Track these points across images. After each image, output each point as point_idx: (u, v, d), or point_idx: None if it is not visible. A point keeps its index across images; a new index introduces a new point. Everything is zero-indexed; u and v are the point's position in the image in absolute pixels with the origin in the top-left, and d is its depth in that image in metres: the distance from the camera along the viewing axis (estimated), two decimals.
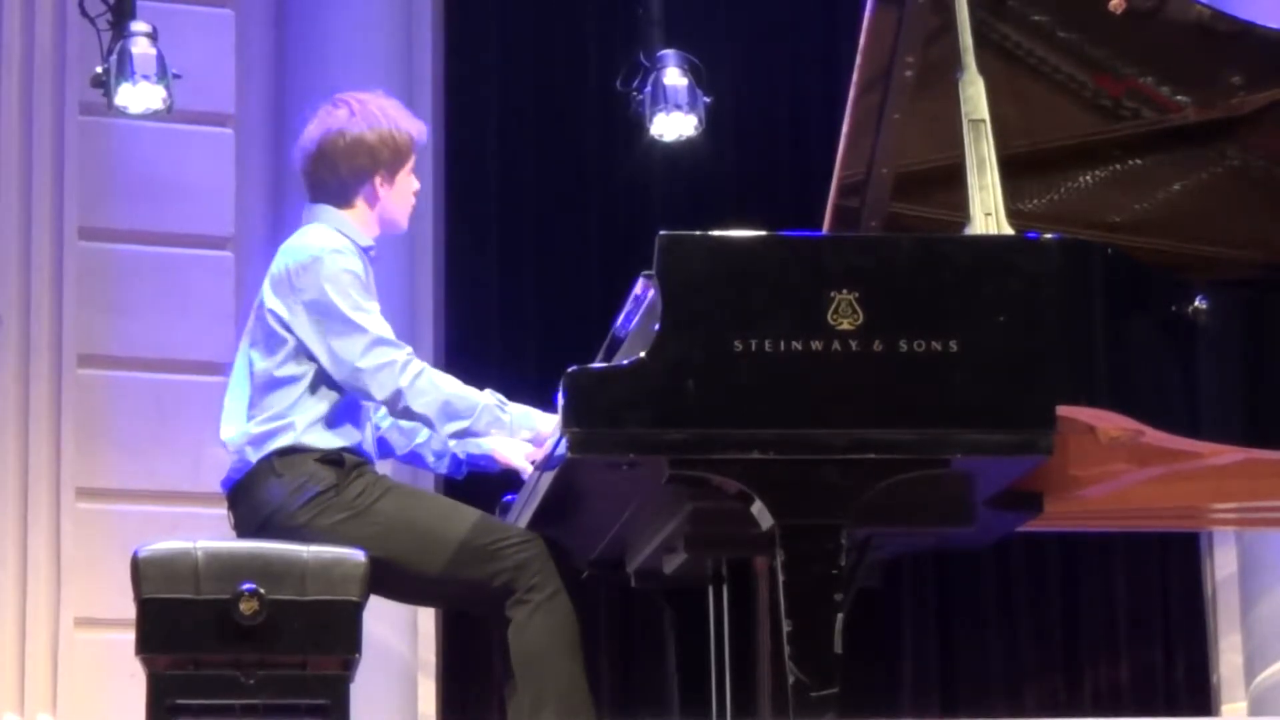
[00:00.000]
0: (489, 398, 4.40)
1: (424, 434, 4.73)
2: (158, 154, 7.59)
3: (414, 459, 4.79)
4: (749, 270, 3.78)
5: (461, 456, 4.68)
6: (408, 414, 4.41)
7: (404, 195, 4.67)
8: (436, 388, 4.37)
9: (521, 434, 4.41)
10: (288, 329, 4.48)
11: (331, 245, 4.50)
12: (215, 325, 7.53)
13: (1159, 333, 3.99)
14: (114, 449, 7.45)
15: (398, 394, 4.36)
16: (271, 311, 4.50)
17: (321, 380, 4.48)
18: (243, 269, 7.64)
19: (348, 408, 4.50)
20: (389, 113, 4.65)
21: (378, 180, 4.62)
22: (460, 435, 4.42)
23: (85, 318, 7.44)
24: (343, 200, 4.63)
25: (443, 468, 4.76)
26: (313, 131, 4.66)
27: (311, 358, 4.46)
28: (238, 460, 4.51)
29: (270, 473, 4.45)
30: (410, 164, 4.66)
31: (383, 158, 4.61)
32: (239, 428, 4.52)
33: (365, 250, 4.60)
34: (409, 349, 4.44)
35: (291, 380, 4.48)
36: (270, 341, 4.51)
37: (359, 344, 4.40)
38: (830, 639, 3.67)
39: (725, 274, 3.77)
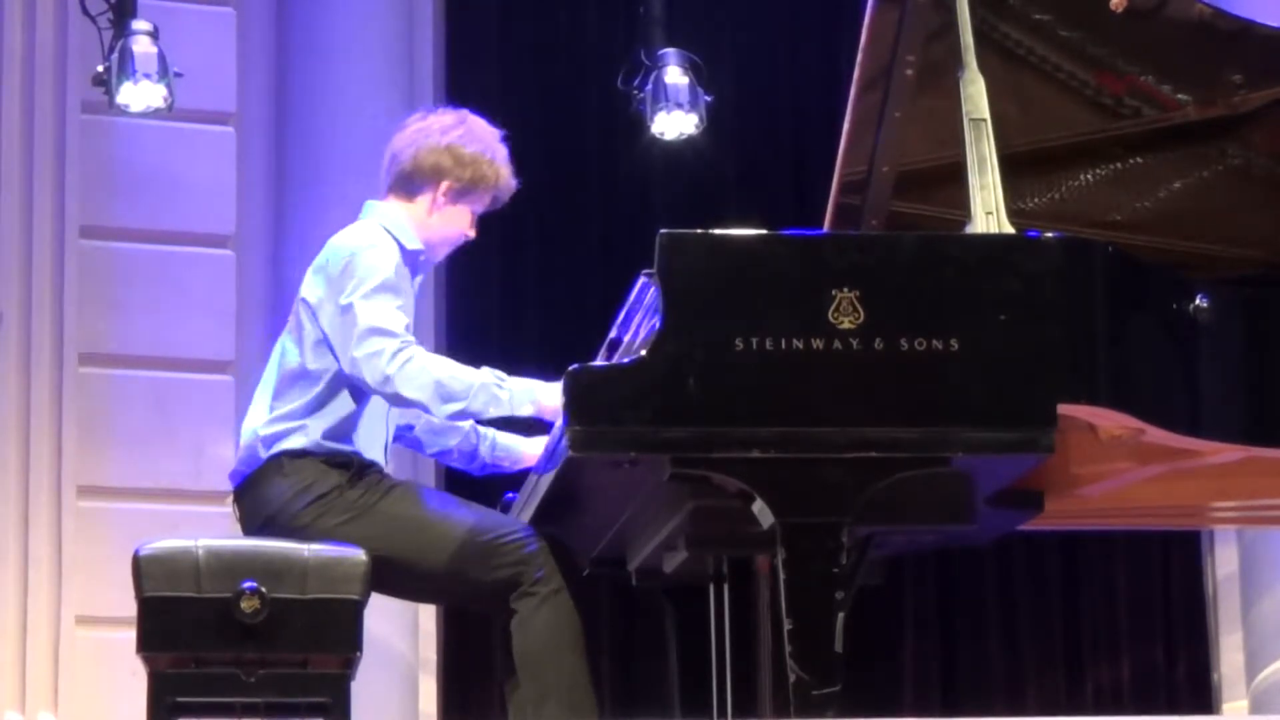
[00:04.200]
0: (485, 375, 4.38)
1: (454, 437, 4.77)
2: (159, 152, 7.59)
3: (442, 455, 4.82)
4: (750, 269, 3.78)
5: (489, 460, 4.69)
6: (399, 400, 4.40)
7: (453, 224, 4.66)
8: (426, 371, 4.35)
9: (523, 408, 4.38)
10: (314, 319, 4.50)
11: (369, 242, 4.51)
12: (216, 323, 7.53)
13: (1160, 331, 3.99)
14: (115, 447, 7.45)
15: (385, 380, 4.35)
16: (304, 300, 4.54)
17: (342, 383, 4.48)
18: (244, 267, 7.65)
19: (363, 419, 4.51)
20: (495, 150, 4.67)
21: (443, 188, 4.62)
22: (458, 416, 4.42)
23: (86, 316, 7.44)
24: (407, 193, 4.64)
25: (470, 464, 4.79)
26: (417, 119, 4.71)
27: (333, 351, 4.48)
28: (246, 454, 4.52)
29: (277, 472, 4.46)
30: (477, 202, 4.66)
31: (461, 175, 4.62)
32: (255, 421, 4.54)
33: (413, 254, 4.60)
34: (407, 337, 4.41)
35: (313, 377, 4.49)
36: (300, 331, 4.54)
37: (354, 332, 4.40)
38: (831, 637, 3.67)
39: (726, 272, 3.77)
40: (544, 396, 4.36)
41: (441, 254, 4.76)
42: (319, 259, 4.56)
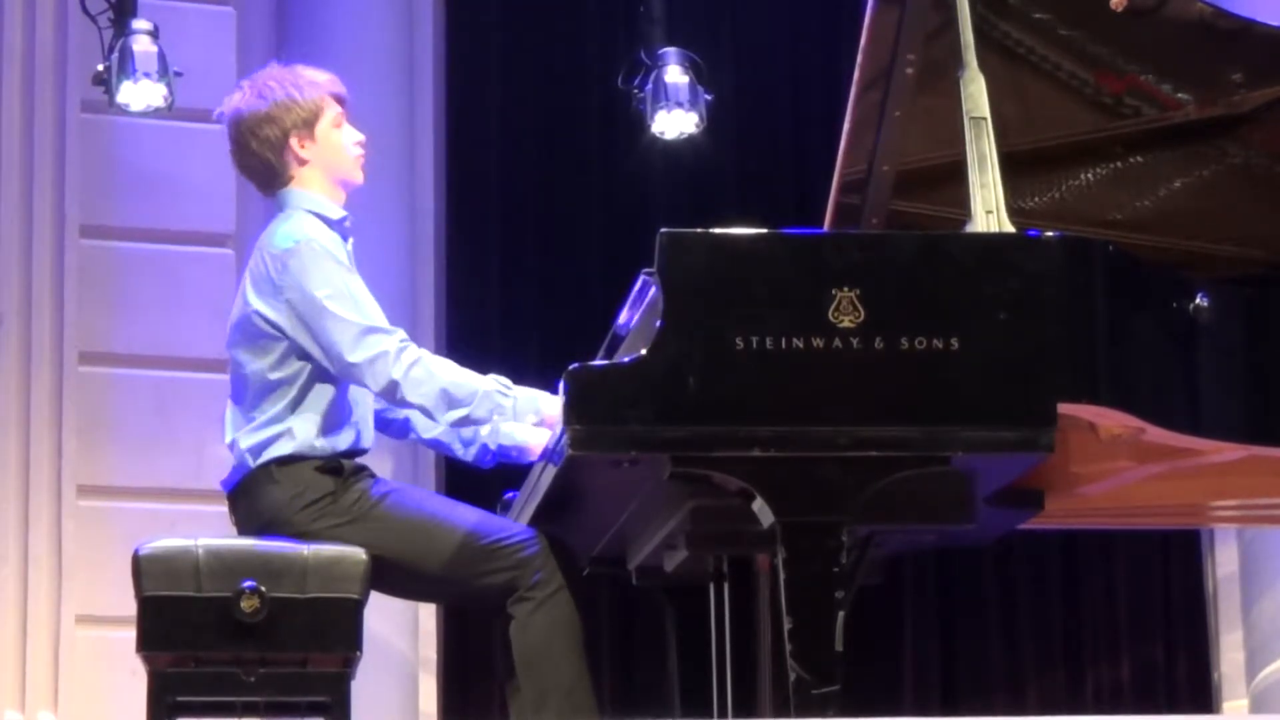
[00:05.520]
0: (490, 383, 4.35)
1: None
2: (159, 151, 7.59)
3: (439, 445, 4.76)
4: (750, 268, 3.78)
5: (493, 448, 4.64)
6: (404, 404, 4.40)
7: (337, 148, 4.62)
8: (433, 376, 4.33)
9: (527, 418, 4.37)
10: (277, 329, 4.45)
11: (305, 233, 4.47)
12: (216, 322, 7.45)
13: (1160, 330, 3.99)
14: (115, 446, 7.45)
15: (393, 386, 4.34)
16: (257, 313, 4.48)
17: (315, 378, 4.45)
18: (244, 266, 7.62)
19: (343, 406, 4.49)
20: (283, 81, 4.64)
21: (294, 142, 4.59)
22: (461, 424, 4.40)
23: (86, 315, 7.44)
24: (280, 179, 4.62)
25: (470, 455, 4.70)
26: (224, 127, 4.67)
27: (304, 355, 4.45)
28: (237, 463, 4.50)
29: (268, 480, 4.43)
30: (329, 117, 4.62)
31: (288, 122, 4.59)
32: (237, 431, 4.51)
33: (339, 223, 4.57)
34: (401, 334, 4.39)
35: (285, 383, 4.46)
36: (259, 342, 4.48)
37: (347, 337, 4.37)
38: (831, 636, 3.67)
39: (726, 271, 3.77)
40: (547, 406, 4.34)
41: (358, 175, 4.67)
42: (254, 265, 4.51)
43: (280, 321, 4.44)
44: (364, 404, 4.55)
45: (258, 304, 4.47)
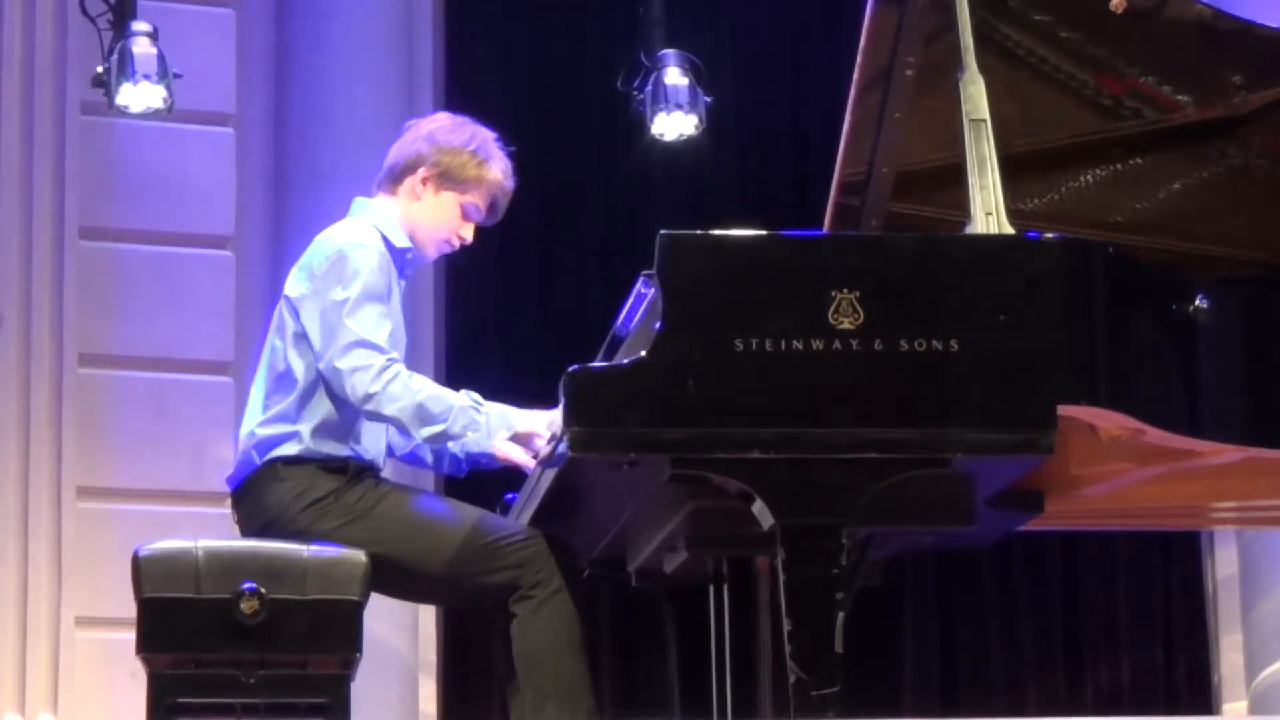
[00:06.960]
0: (463, 399, 4.39)
1: None
2: (158, 153, 7.60)
3: (413, 459, 4.79)
4: (750, 269, 3.78)
5: (461, 456, 4.67)
6: (379, 417, 4.42)
7: (437, 215, 4.64)
8: (410, 392, 4.36)
9: (499, 434, 4.39)
10: (295, 311, 4.50)
11: (356, 239, 4.51)
12: (216, 324, 7.53)
13: (1159, 332, 3.99)
14: (115, 448, 7.45)
15: (368, 397, 4.36)
16: (287, 298, 4.54)
17: (321, 379, 4.47)
18: (243, 268, 7.64)
19: (352, 418, 4.50)
20: (478, 142, 4.65)
21: (422, 174, 4.61)
22: (436, 439, 4.42)
23: (86, 317, 7.45)
24: (387, 186, 4.65)
25: (443, 467, 4.76)
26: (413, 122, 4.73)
27: (312, 348, 4.47)
28: (242, 458, 4.52)
29: (273, 477, 4.45)
30: (465, 196, 4.63)
31: (439, 162, 4.61)
32: (251, 423, 4.55)
33: (400, 252, 4.59)
34: (392, 354, 4.42)
35: (294, 376, 4.48)
36: (283, 328, 4.54)
37: (341, 342, 4.40)
38: (831, 638, 3.67)
39: (726, 273, 3.77)
40: (519, 421, 4.39)
41: (431, 251, 4.72)
42: (305, 256, 4.56)
43: (300, 307, 4.48)
44: (375, 426, 4.55)
45: (290, 289, 4.53)
